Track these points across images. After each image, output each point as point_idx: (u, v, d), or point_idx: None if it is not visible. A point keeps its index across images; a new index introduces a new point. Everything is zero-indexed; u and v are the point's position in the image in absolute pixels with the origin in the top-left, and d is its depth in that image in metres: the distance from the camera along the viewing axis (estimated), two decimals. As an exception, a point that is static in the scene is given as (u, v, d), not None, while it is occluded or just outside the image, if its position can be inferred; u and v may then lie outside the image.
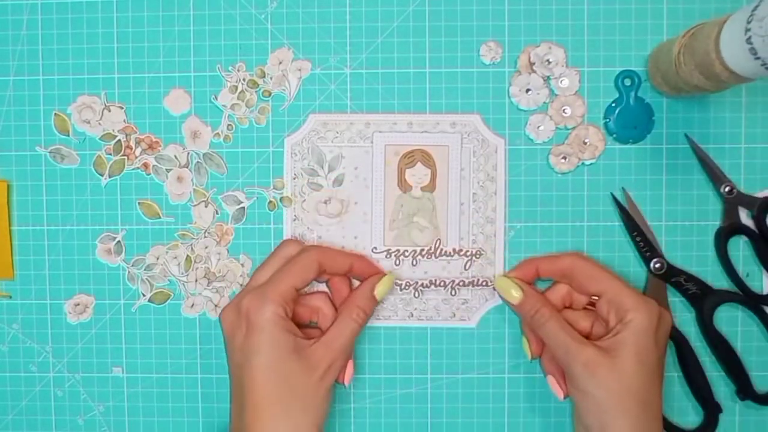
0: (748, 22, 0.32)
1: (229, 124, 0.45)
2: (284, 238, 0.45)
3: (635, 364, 0.38)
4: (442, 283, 0.45)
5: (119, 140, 0.45)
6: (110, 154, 0.45)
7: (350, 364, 0.42)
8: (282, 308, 0.39)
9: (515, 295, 0.42)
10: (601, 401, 0.38)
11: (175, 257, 0.45)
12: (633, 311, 0.39)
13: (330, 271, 0.42)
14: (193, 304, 0.45)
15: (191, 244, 0.45)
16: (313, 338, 0.40)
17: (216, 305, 0.45)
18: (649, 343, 0.38)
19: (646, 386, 0.38)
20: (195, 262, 0.45)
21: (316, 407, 0.39)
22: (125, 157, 0.45)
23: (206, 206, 0.45)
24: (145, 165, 0.45)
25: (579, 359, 0.38)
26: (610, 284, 0.40)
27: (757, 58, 0.32)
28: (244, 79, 0.45)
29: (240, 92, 0.45)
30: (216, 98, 0.45)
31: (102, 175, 0.45)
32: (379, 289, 0.42)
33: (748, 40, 0.32)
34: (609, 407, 0.38)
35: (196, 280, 0.45)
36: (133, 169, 0.45)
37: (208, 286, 0.45)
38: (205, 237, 0.45)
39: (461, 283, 0.45)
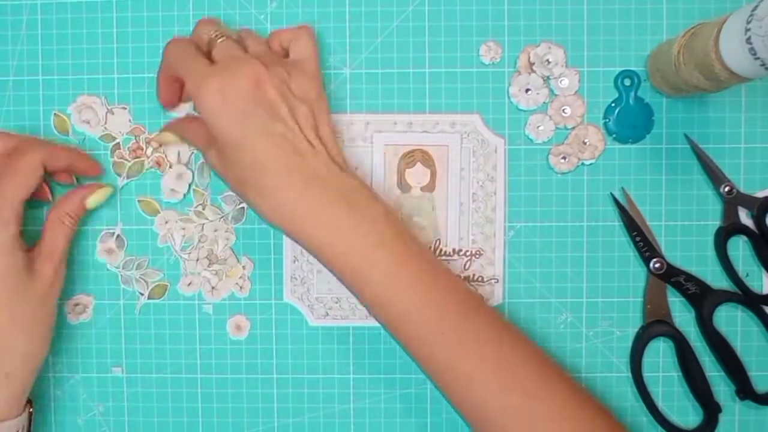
0: (748, 22, 0.32)
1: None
2: (284, 242, 0.45)
3: None
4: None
5: (134, 141, 0.45)
6: (122, 158, 0.45)
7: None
8: (15, 228, 0.39)
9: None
10: None
11: (183, 228, 0.45)
12: None
13: (51, 169, 0.41)
14: (190, 283, 0.45)
15: (203, 224, 0.45)
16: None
17: (213, 287, 0.45)
18: None
19: None
20: (200, 241, 0.45)
21: (47, 318, 0.40)
22: (140, 159, 0.45)
23: (203, 209, 0.45)
24: (158, 163, 0.45)
25: None
26: None
27: (757, 58, 0.32)
28: None
29: None
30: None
31: (121, 176, 0.45)
32: (90, 200, 0.42)
33: (748, 40, 0.32)
34: None
35: (197, 260, 0.45)
36: (148, 170, 0.45)
37: (208, 267, 0.45)
38: (219, 221, 0.45)
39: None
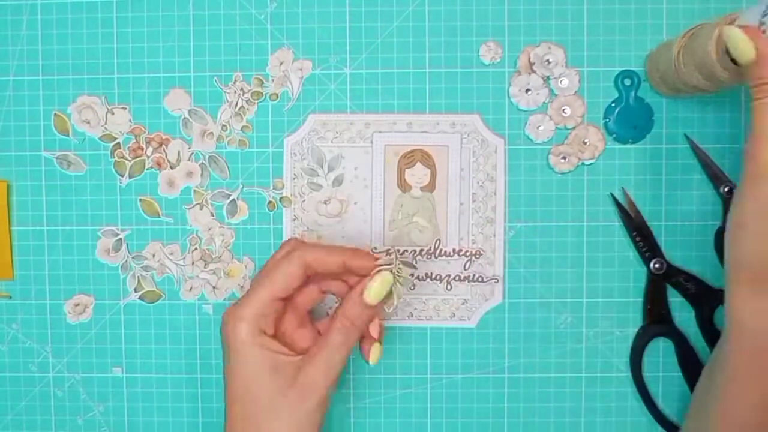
0: (764, 16, 0.32)
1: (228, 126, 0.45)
2: (284, 238, 0.45)
3: None
4: (438, 277, 0.45)
5: (134, 140, 0.45)
6: (122, 158, 0.45)
7: (376, 346, 0.38)
8: (255, 325, 0.36)
9: (750, 51, 0.33)
10: None
11: (172, 254, 0.45)
12: None
13: (322, 271, 0.37)
14: (191, 288, 0.45)
15: (193, 231, 0.45)
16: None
17: (214, 287, 0.45)
18: None
19: None
20: (190, 244, 0.45)
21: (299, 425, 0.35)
22: (140, 158, 0.45)
23: (201, 209, 0.45)
24: (158, 163, 0.45)
25: None
26: None
27: None
28: (243, 90, 0.45)
29: (240, 107, 0.45)
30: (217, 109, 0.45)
31: (122, 176, 0.45)
32: (370, 292, 0.36)
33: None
34: None
35: (193, 263, 0.45)
36: (148, 170, 0.45)
37: (205, 267, 0.45)
38: (212, 218, 0.45)
39: (457, 278, 0.45)
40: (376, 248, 0.45)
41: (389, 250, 0.45)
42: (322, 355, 0.36)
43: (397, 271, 0.37)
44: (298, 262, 0.36)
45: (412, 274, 0.38)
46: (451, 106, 0.45)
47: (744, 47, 0.33)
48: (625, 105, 0.44)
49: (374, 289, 0.36)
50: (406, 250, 0.45)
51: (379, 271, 0.36)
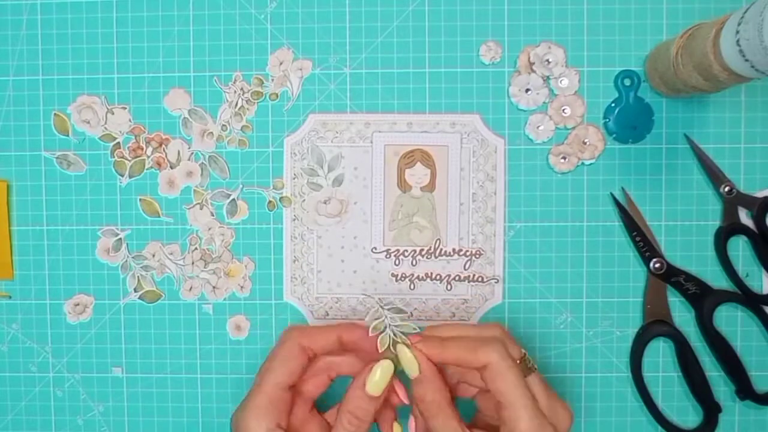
0: (738, 24, 0.33)
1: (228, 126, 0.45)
2: (284, 238, 0.45)
3: None
4: (438, 277, 0.45)
5: (134, 140, 0.45)
6: (122, 158, 0.45)
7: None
8: (271, 419, 0.36)
9: (414, 372, 0.36)
10: None
11: (171, 254, 0.45)
12: None
13: (320, 351, 0.38)
14: (191, 288, 0.45)
15: (193, 231, 0.45)
16: None
17: (214, 287, 0.45)
18: None
19: None
20: (190, 244, 0.45)
21: None
22: (140, 158, 0.45)
23: (201, 209, 0.45)
24: (158, 163, 0.45)
25: None
26: (512, 404, 0.34)
27: (747, 60, 0.33)
28: (243, 90, 0.45)
29: (240, 107, 0.45)
30: (216, 108, 0.45)
31: (122, 176, 0.45)
32: (371, 384, 0.35)
33: (738, 42, 0.33)
34: None
35: (193, 263, 0.45)
36: (148, 170, 0.45)
37: (205, 267, 0.45)
38: (211, 218, 0.45)
39: (457, 278, 0.45)
40: (375, 248, 0.45)
41: (389, 250, 0.45)
42: None
43: (393, 335, 0.36)
44: (295, 345, 0.37)
45: (407, 315, 0.38)
46: (451, 106, 0.45)
47: (410, 364, 0.35)
48: (625, 105, 0.44)
49: (375, 380, 0.36)
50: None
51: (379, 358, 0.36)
